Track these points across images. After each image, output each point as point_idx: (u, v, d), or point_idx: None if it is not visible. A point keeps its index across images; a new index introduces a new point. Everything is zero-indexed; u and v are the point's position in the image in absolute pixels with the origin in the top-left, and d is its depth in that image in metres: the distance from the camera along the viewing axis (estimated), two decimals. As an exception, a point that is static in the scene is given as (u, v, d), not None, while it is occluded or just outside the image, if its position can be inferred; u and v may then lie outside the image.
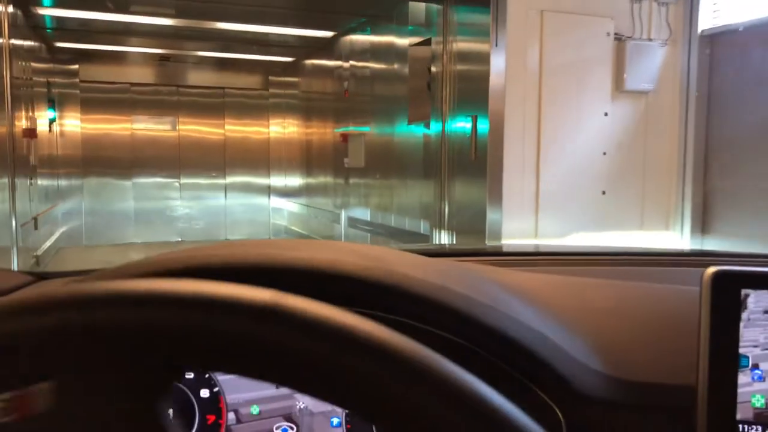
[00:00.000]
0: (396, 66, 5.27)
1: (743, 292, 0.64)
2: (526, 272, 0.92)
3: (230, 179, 9.36)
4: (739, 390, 0.63)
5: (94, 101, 8.66)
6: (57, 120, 8.21)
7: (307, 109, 8.17)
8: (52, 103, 7.80)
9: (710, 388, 0.63)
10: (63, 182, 8.38)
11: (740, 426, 0.63)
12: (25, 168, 5.53)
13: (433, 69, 4.27)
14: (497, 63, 3.43)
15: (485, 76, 3.47)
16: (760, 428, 0.63)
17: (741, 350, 0.63)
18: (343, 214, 6.66)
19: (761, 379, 0.64)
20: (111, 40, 7.53)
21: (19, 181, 5.31)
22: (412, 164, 4.90)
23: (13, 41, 5.42)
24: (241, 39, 7.20)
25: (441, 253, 1.23)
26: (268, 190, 9.48)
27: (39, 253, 6.12)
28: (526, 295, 0.79)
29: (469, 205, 3.71)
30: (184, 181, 9.17)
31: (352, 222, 6.33)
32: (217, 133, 9.25)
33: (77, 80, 8.50)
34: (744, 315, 0.64)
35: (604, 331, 0.75)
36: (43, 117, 7.29)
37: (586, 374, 0.69)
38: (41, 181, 6.96)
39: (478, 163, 3.53)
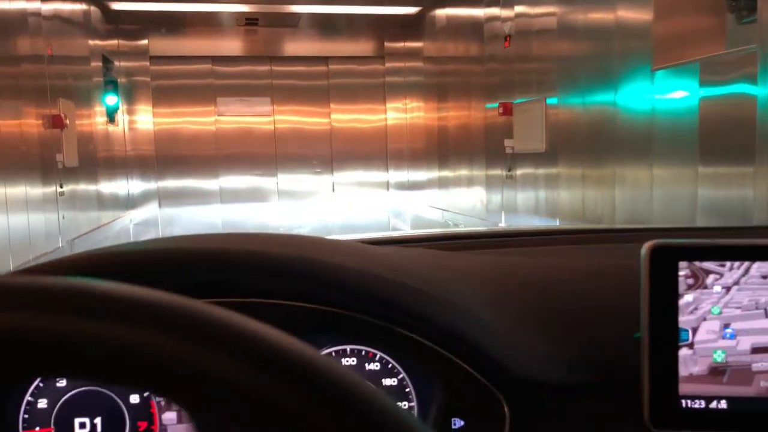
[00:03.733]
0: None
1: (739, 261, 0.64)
2: (464, 254, 0.89)
3: (339, 176, 7.44)
4: (705, 345, 0.64)
5: (169, 84, 6.93)
6: (122, 109, 6.52)
7: (438, 83, 6.10)
8: (113, 87, 6.09)
9: (652, 362, 0.63)
10: (134, 186, 6.71)
11: (683, 401, 0.64)
12: (46, 171, 3.75)
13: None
14: None
15: None
16: (703, 402, 0.64)
17: (726, 311, 0.64)
18: (504, 224, 4.59)
19: (732, 337, 0.64)
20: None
21: (36, 190, 3.54)
22: (664, 144, 2.76)
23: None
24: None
25: (384, 240, 1.05)
26: (387, 188, 7.51)
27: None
28: (464, 277, 0.77)
29: None
30: (282, 179, 7.33)
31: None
32: (321, 123, 7.35)
33: (147, 62, 6.78)
34: (743, 279, 0.64)
35: (544, 312, 0.73)
36: (99, 105, 5.59)
37: (527, 356, 0.68)
38: (102, 187, 5.27)
39: None
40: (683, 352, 0.64)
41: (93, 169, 5.02)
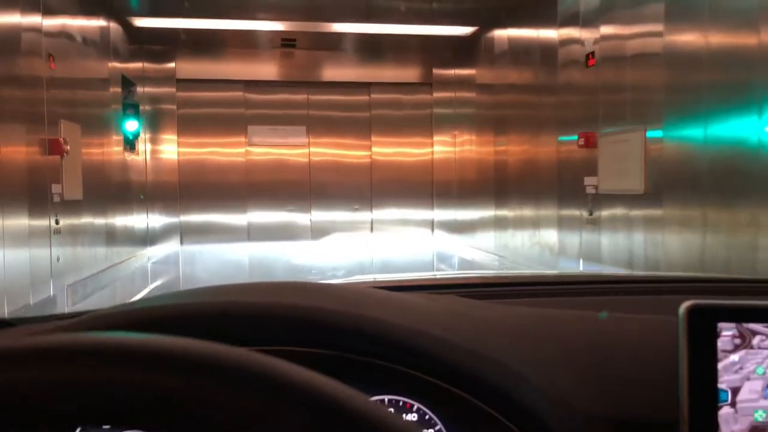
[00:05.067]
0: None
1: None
2: (500, 305, 0.87)
3: (378, 213, 6.75)
4: (747, 405, 0.63)
5: (197, 112, 6.34)
6: (144, 137, 5.93)
7: (495, 114, 5.42)
8: (134, 112, 5.51)
9: (691, 424, 0.62)
10: (155, 220, 6.10)
11: None
12: (36, 204, 3.11)
13: None
14: None
15: None
16: None
17: None
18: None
19: None
20: (216, 10, 5.14)
21: (18, 226, 2.89)
22: None
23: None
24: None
25: (416, 285, 1.08)
26: (431, 228, 6.79)
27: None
28: (500, 330, 0.76)
29: None
30: (316, 216, 6.66)
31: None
32: (360, 156, 6.69)
33: (173, 86, 6.21)
34: None
35: (580, 367, 0.71)
36: (117, 132, 5.01)
37: (564, 412, 0.67)
38: (116, 221, 4.67)
39: None
40: (725, 410, 0.63)
41: (104, 201, 4.40)
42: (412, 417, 0.70)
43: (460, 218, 6.30)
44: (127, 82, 5.46)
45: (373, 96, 6.67)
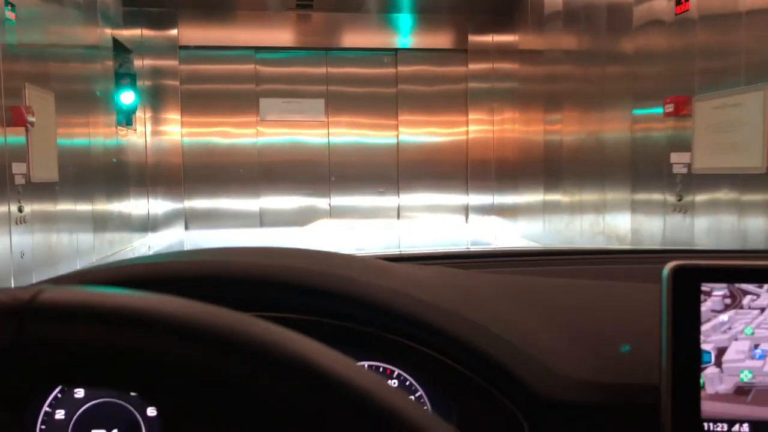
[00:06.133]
0: None
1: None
2: (485, 274, 0.86)
3: (405, 198, 6.06)
4: (733, 365, 0.61)
5: (202, 86, 5.68)
6: (145, 116, 5.28)
7: (545, 90, 4.70)
8: (129, 81, 4.85)
9: (674, 385, 0.61)
10: (156, 206, 5.47)
11: (705, 424, 0.61)
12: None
13: None
14: None
15: None
16: (725, 425, 0.61)
17: (758, 331, 0.60)
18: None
19: (761, 357, 0.61)
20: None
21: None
22: None
23: None
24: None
25: (401, 257, 1.06)
26: (465, 214, 6.09)
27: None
28: (485, 297, 0.74)
29: None
30: (335, 202, 5.99)
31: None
32: (385, 135, 6.00)
33: (175, 56, 5.54)
34: None
35: (565, 332, 0.70)
36: (108, 105, 4.36)
37: (548, 377, 0.65)
38: (108, 207, 4.05)
39: None
40: (710, 370, 0.61)
41: (91, 184, 3.76)
42: (392, 383, 0.68)
43: (499, 203, 5.60)
44: (122, 48, 4.80)
45: (401, 68, 5.97)
